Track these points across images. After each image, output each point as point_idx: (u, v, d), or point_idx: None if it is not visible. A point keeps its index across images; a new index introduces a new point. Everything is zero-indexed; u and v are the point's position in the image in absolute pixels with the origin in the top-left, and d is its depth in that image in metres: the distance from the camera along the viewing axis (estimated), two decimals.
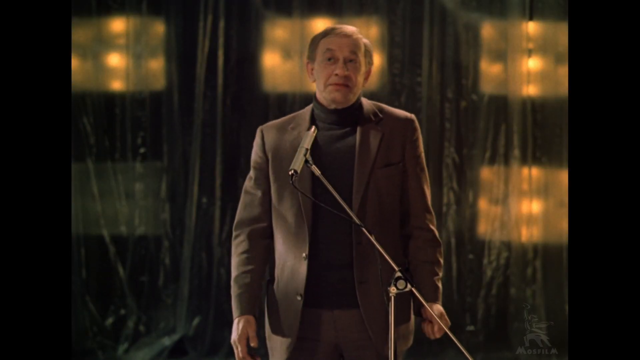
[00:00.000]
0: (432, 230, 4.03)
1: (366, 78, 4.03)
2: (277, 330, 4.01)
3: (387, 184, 3.95)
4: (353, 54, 3.95)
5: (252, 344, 3.94)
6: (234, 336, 3.97)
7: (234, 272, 4.04)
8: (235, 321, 4.00)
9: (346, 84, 3.94)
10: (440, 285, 4.01)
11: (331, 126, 3.98)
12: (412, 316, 4.05)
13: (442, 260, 4.04)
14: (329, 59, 3.95)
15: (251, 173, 4.08)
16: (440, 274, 4.02)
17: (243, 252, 4.03)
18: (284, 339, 3.98)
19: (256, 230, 4.03)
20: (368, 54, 4.01)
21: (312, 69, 4.02)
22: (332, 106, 3.98)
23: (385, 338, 3.81)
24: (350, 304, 3.92)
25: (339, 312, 3.94)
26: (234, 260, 4.05)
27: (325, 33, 4.00)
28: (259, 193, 4.04)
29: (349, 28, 4.00)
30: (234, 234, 4.08)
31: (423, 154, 4.07)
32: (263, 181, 4.04)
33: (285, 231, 3.97)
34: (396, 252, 3.97)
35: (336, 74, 3.93)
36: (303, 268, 3.92)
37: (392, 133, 3.99)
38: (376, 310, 3.87)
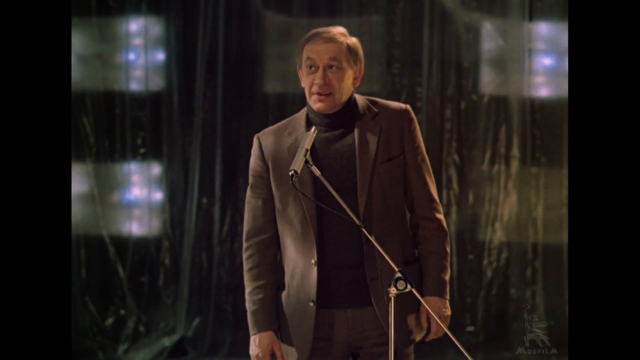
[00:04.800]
0: (437, 219, 4.01)
1: (357, 77, 3.99)
2: (289, 337, 3.99)
3: (390, 178, 3.95)
4: (333, 60, 3.90)
5: None
6: (256, 352, 3.95)
7: (247, 288, 4.03)
8: (253, 338, 3.98)
9: (328, 92, 3.91)
10: (446, 277, 3.99)
11: (327, 128, 3.97)
12: None
13: (448, 250, 4.02)
14: (310, 67, 3.92)
15: (251, 182, 4.06)
16: (447, 265, 4.00)
17: (253, 267, 4.02)
18: (298, 346, 3.96)
19: (262, 242, 4.02)
20: (354, 54, 3.95)
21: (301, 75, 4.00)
22: (323, 112, 3.97)
23: (401, 333, 3.80)
24: (363, 302, 3.92)
25: (353, 311, 3.94)
26: (246, 276, 4.04)
27: (308, 39, 3.95)
28: (259, 202, 4.02)
29: (329, 32, 3.93)
30: (244, 246, 4.07)
31: (422, 144, 4.04)
32: (263, 190, 4.02)
33: (293, 237, 3.96)
34: (404, 244, 3.99)
35: (316, 83, 3.91)
36: (313, 274, 3.92)
37: (390, 126, 3.98)
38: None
